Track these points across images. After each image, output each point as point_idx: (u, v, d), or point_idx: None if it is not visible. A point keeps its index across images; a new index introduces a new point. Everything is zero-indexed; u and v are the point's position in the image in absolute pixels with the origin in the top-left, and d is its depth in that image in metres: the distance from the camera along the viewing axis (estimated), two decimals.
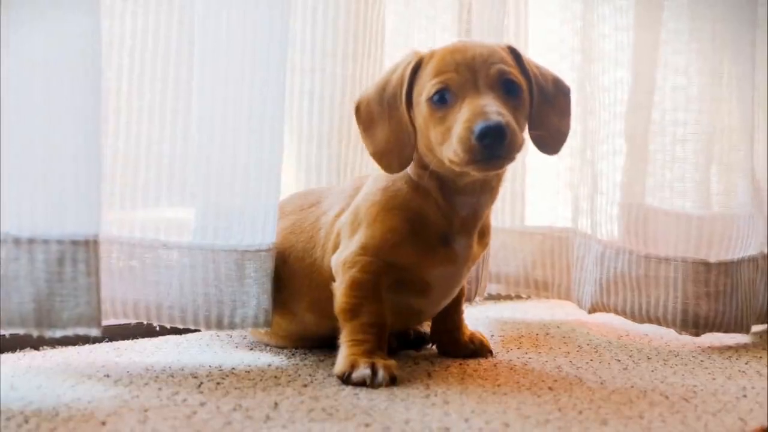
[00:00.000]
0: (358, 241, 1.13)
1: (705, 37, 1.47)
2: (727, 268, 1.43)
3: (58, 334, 1.02)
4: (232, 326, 1.18)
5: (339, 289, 1.14)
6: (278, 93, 1.18)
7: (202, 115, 1.17)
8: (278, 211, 1.22)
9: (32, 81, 1.00)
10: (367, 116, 1.14)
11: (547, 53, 1.64)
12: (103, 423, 0.89)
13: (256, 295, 1.18)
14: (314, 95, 1.39)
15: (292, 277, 1.21)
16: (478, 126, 1.01)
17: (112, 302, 1.17)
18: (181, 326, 1.19)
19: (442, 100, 1.07)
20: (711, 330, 1.43)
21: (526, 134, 1.12)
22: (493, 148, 1.01)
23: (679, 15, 1.48)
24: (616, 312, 1.48)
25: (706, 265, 1.42)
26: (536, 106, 1.13)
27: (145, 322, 1.19)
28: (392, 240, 1.13)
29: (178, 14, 1.19)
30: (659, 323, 1.45)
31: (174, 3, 1.19)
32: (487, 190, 1.15)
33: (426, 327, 1.33)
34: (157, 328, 1.23)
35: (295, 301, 1.21)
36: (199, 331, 1.33)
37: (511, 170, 1.62)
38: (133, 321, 1.19)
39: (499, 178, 1.16)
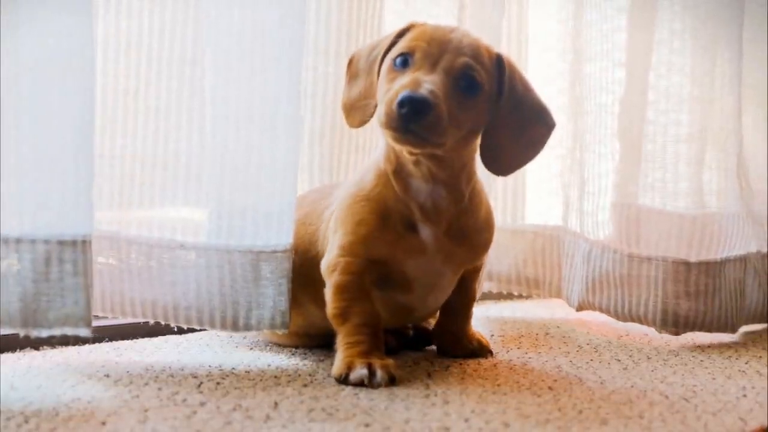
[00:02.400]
0: (337, 241, 1.14)
1: (697, 37, 1.47)
2: (708, 267, 1.44)
3: (44, 333, 1.01)
4: (248, 328, 1.19)
5: (327, 294, 1.14)
6: (293, 92, 1.18)
7: (216, 113, 1.17)
8: (299, 202, 1.23)
9: (20, 80, 1.00)
10: (354, 70, 1.18)
11: (544, 52, 1.64)
12: (103, 423, 0.89)
13: (272, 296, 1.18)
14: (306, 94, 1.39)
15: (299, 268, 1.21)
16: (402, 93, 1.02)
17: (132, 302, 1.18)
18: (198, 327, 1.19)
19: (404, 63, 1.08)
20: (692, 329, 1.43)
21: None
22: (408, 119, 1.02)
23: (673, 15, 1.48)
24: (601, 310, 1.49)
25: (687, 264, 1.43)
26: (500, 120, 1.12)
27: (162, 322, 1.19)
28: (362, 233, 1.13)
29: (193, 12, 1.19)
30: (641, 322, 1.45)
31: (189, 1, 1.19)
32: (439, 181, 1.13)
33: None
34: (175, 328, 1.24)
35: (302, 292, 1.21)
36: (201, 330, 1.33)
37: None
38: (151, 321, 1.20)
39: (451, 174, 1.13)
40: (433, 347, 1.30)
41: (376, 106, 1.13)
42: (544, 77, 1.63)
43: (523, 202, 1.66)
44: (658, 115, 1.48)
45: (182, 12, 1.19)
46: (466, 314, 1.27)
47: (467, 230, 1.17)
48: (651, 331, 1.50)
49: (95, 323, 1.20)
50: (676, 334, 1.44)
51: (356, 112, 1.16)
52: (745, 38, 1.55)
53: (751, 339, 1.48)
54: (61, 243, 1.02)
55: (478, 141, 1.14)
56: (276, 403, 0.99)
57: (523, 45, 1.61)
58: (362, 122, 1.16)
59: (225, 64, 1.16)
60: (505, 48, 1.56)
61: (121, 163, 1.18)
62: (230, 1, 1.15)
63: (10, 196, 1.00)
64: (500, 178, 1.62)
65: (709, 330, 1.44)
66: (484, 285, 1.65)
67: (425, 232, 1.14)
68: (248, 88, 1.16)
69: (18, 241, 1.00)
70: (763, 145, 1.61)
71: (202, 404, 0.97)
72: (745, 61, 1.57)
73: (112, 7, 1.17)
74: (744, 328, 1.52)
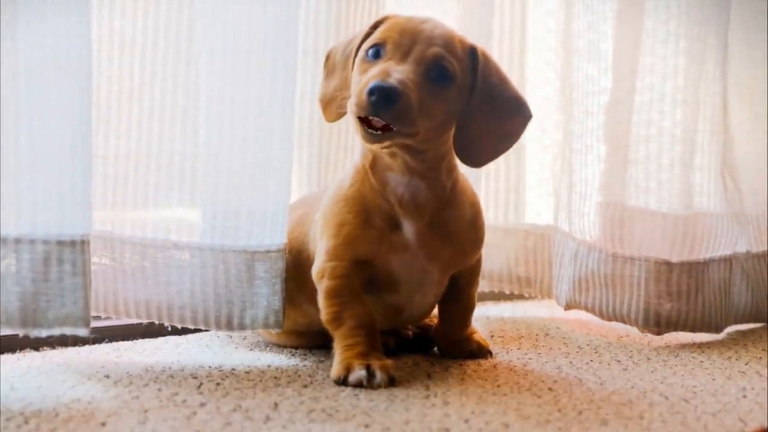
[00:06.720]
0: (323, 246, 1.14)
1: (682, 39, 1.47)
2: (691, 267, 1.44)
3: (44, 333, 1.02)
4: (242, 327, 1.19)
5: (320, 300, 1.14)
6: (288, 92, 1.18)
7: (211, 114, 1.17)
8: (299, 203, 1.23)
9: (18, 80, 1.00)
10: (331, 65, 1.18)
11: (544, 52, 1.64)
12: (103, 423, 0.89)
13: (266, 296, 1.18)
14: (294, 94, 1.39)
15: (294, 269, 1.21)
16: (372, 83, 1.02)
17: (125, 302, 1.18)
18: (192, 326, 1.20)
19: (376, 54, 1.08)
20: (674, 329, 1.44)
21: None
22: (377, 107, 1.01)
23: (661, 18, 1.48)
24: (587, 309, 1.49)
25: (668, 264, 1.43)
26: (473, 111, 1.11)
27: (156, 322, 1.20)
28: (345, 233, 1.13)
29: (188, 12, 1.19)
30: (624, 321, 1.46)
31: (183, 1, 1.19)
32: (417, 173, 1.12)
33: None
34: (169, 328, 1.24)
35: (299, 292, 1.22)
36: (200, 331, 1.33)
37: (493, 168, 1.62)
38: (145, 321, 1.21)
39: (429, 166, 1.12)
40: (434, 349, 1.30)
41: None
42: (544, 77, 1.63)
43: (522, 202, 1.66)
44: (643, 116, 1.48)
45: (177, 12, 1.19)
46: (465, 322, 1.27)
47: (451, 227, 1.16)
48: None
49: (95, 324, 1.21)
50: (658, 333, 1.45)
51: (332, 105, 1.16)
52: (738, 39, 1.56)
53: (751, 340, 1.48)
54: (60, 243, 1.02)
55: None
56: (276, 404, 0.99)
57: (517, 43, 1.60)
58: (338, 116, 1.16)
59: (220, 65, 1.17)
60: (497, 46, 1.57)
61: (115, 163, 1.18)
62: (226, 1, 1.16)
63: (8, 196, 1.00)
64: (501, 177, 1.62)
65: (693, 330, 1.45)
66: None
67: (407, 227, 1.13)
68: (243, 89, 1.17)
69: (17, 241, 1.01)
70: (754, 144, 1.61)
71: (202, 405, 0.97)
72: (738, 60, 1.58)
73: (106, 6, 1.17)
74: (731, 328, 1.53)
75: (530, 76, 1.63)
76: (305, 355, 1.25)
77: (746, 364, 1.28)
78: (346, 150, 1.45)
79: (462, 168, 1.18)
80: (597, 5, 1.49)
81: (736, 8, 1.54)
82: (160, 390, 1.03)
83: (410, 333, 1.32)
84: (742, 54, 1.59)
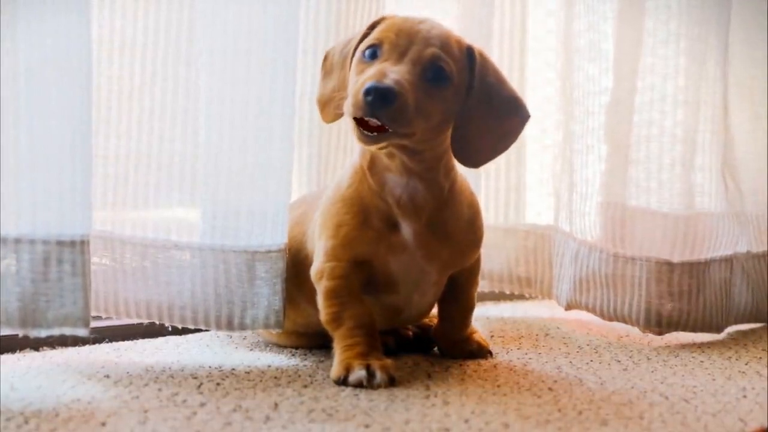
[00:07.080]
0: (322, 247, 1.14)
1: (683, 39, 1.47)
2: (692, 268, 1.44)
3: (43, 333, 1.02)
4: (242, 327, 1.19)
5: (319, 301, 1.14)
6: (288, 92, 1.18)
7: (211, 114, 1.17)
8: (300, 201, 1.23)
9: (18, 80, 1.00)
10: (329, 65, 1.18)
11: (544, 52, 1.64)
12: (103, 423, 0.89)
13: (267, 296, 1.19)
14: (295, 94, 1.39)
15: (294, 267, 1.21)
16: (368, 83, 1.02)
17: (126, 302, 1.19)
18: (192, 326, 1.20)
19: (373, 55, 1.08)
20: (675, 329, 1.44)
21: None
22: (374, 108, 1.01)
23: (662, 18, 1.48)
24: (587, 310, 1.49)
25: (669, 264, 1.43)
26: (471, 111, 1.11)
27: (156, 322, 1.20)
28: (344, 234, 1.13)
29: (188, 12, 1.20)
30: (625, 321, 1.46)
31: (184, 1, 1.19)
32: (415, 174, 1.12)
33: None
34: (169, 328, 1.24)
35: (297, 291, 1.22)
36: (200, 331, 1.33)
37: (493, 168, 1.62)
38: (145, 321, 1.21)
39: (426, 167, 1.12)
40: (434, 349, 1.30)
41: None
42: (544, 78, 1.63)
43: (522, 202, 1.66)
44: (644, 116, 1.48)
45: (177, 12, 1.19)
46: (465, 322, 1.27)
47: (449, 228, 1.16)
48: None
49: (95, 324, 1.21)
50: (660, 334, 1.45)
51: (329, 106, 1.16)
52: (739, 39, 1.56)
53: (751, 340, 1.48)
54: (60, 243, 1.02)
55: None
56: (276, 404, 0.99)
57: (517, 43, 1.60)
58: (336, 116, 1.15)
59: (220, 65, 1.17)
60: (497, 46, 1.57)
61: (116, 163, 1.19)
62: (226, 1, 1.16)
63: (8, 196, 1.00)
64: (502, 177, 1.62)
65: (693, 330, 1.45)
66: None
67: (405, 228, 1.13)
68: (243, 89, 1.17)
69: (17, 241, 1.01)
70: (755, 144, 1.61)
71: (202, 405, 0.97)
72: (738, 60, 1.58)
73: (107, 6, 1.17)
74: (731, 328, 1.53)
75: (530, 77, 1.63)
76: (305, 355, 1.25)
77: (746, 364, 1.28)
78: (346, 150, 1.45)
79: (462, 168, 1.18)
80: (597, 5, 1.49)
81: (736, 8, 1.54)
82: (160, 390, 1.03)
83: (410, 333, 1.32)
84: (742, 54, 1.60)
